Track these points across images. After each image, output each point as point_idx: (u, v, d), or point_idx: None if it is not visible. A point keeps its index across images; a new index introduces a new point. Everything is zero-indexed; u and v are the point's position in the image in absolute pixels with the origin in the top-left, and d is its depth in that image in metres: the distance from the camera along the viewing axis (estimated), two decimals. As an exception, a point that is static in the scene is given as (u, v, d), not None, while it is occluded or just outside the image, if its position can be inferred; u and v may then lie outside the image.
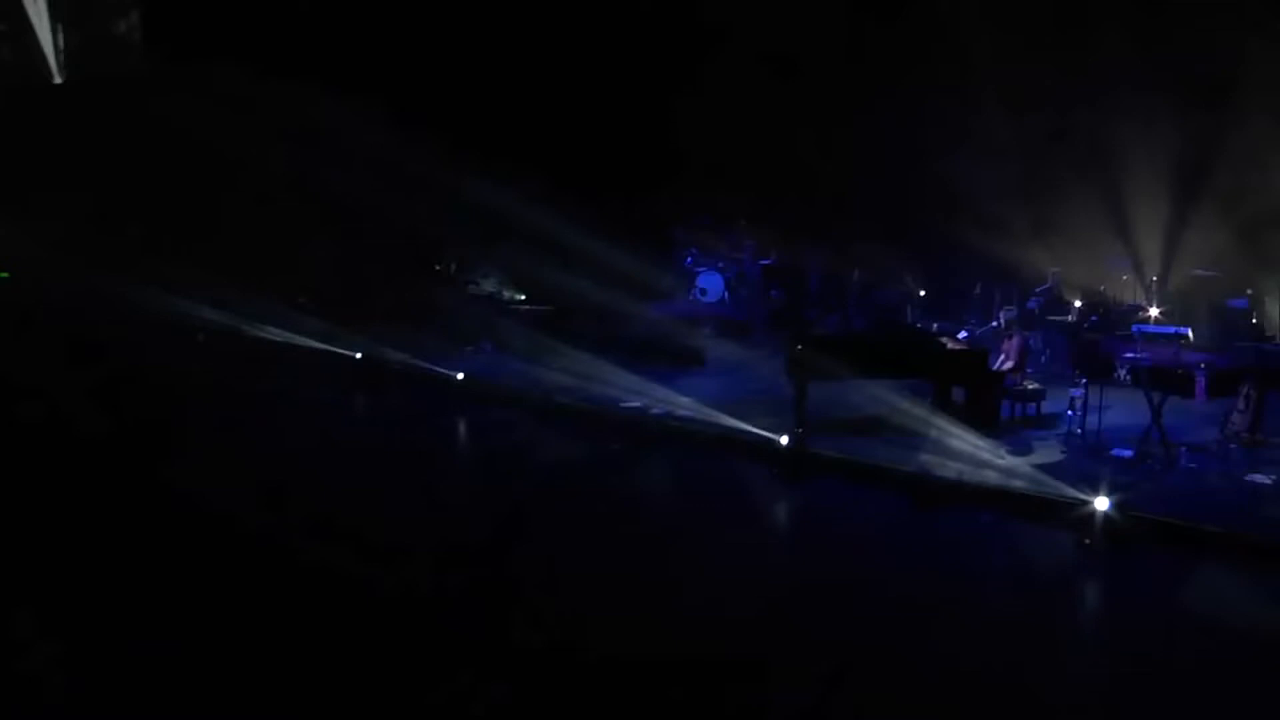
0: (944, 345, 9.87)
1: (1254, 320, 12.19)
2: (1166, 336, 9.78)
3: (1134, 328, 10.19)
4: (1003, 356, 9.98)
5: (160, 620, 5.77)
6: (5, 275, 20.30)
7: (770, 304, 16.22)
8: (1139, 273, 12.88)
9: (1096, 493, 7.36)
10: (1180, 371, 9.40)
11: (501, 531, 7.32)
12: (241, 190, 17.29)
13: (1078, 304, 12.44)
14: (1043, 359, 12.13)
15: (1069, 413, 9.41)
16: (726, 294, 16.51)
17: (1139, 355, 9.38)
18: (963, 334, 11.01)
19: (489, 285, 17.39)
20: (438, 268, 18.39)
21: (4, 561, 6.49)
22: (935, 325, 12.47)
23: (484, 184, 16.33)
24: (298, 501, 7.76)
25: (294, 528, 7.12)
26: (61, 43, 21.53)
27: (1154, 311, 12.14)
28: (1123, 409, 9.43)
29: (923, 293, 15.60)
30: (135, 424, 10.31)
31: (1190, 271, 12.48)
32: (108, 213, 19.67)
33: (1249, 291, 12.29)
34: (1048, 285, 13.01)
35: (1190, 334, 10.16)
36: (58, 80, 21.76)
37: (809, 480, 8.56)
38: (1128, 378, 10.60)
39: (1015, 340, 9.95)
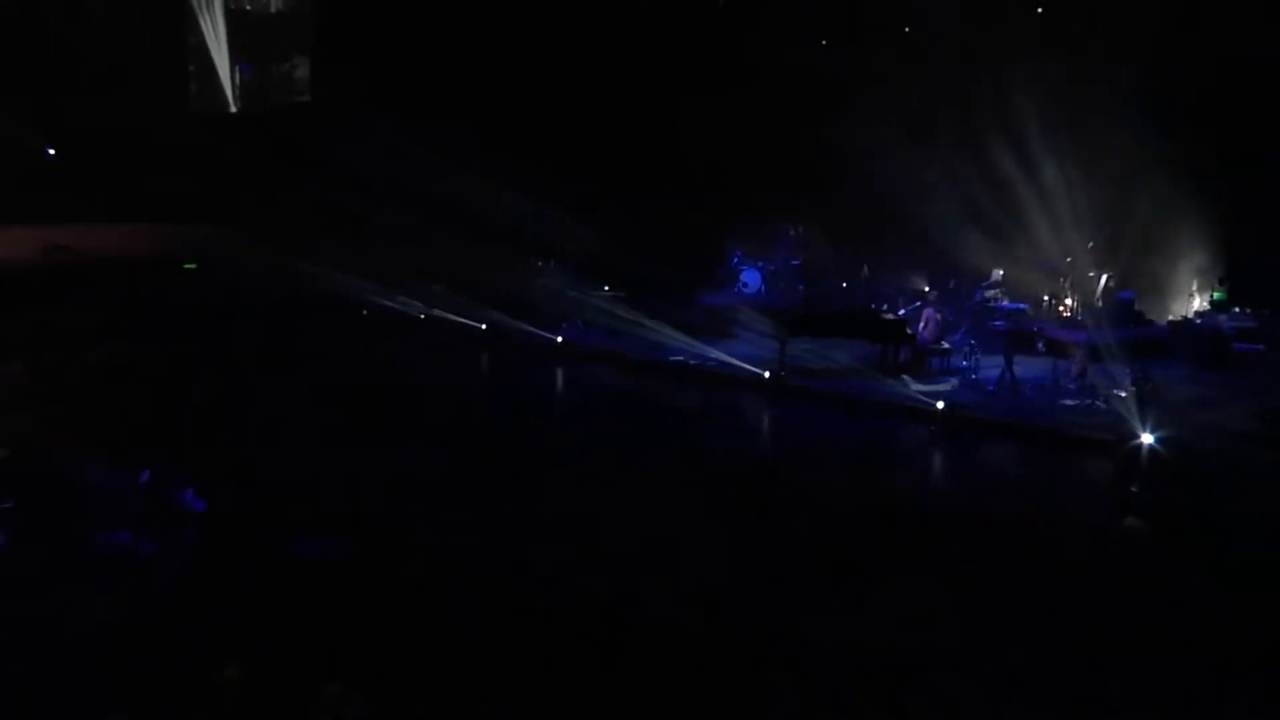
0: (879, 316, 15.18)
1: (1135, 308, 17.19)
2: (1014, 312, 14.90)
3: (995, 305, 15.30)
4: (922, 325, 15.18)
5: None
6: (192, 266, 25.83)
7: (798, 294, 21.34)
8: (1057, 273, 17.83)
9: (952, 408, 12.59)
10: (1024, 333, 14.57)
11: (589, 422, 12.83)
12: (390, 199, 22.52)
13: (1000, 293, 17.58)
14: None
15: (963, 363, 14.64)
16: (764, 287, 21.63)
17: (998, 324, 14.57)
18: (902, 311, 16.18)
19: (582, 276, 22.81)
20: (539, 263, 23.94)
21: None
22: (885, 305, 17.44)
23: (576, 198, 21.75)
24: (469, 401, 13.47)
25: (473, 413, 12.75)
26: (238, 79, 27.01)
27: (1069, 301, 17.26)
28: (1022, 366, 14.55)
29: (927, 288, 20.62)
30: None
31: (1090, 273, 17.44)
32: (278, 215, 25.19)
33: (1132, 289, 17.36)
34: (992, 281, 18.05)
35: (1028, 309, 15.24)
36: (233, 109, 27.31)
37: (782, 401, 13.92)
38: (1042, 347, 15.67)
39: (927, 313, 15.15)
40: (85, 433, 11.21)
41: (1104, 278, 17.11)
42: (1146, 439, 10.63)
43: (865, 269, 20.72)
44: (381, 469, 10.38)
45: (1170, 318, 17.54)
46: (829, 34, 21.59)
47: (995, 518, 9.27)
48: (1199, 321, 16.90)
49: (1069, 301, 17.37)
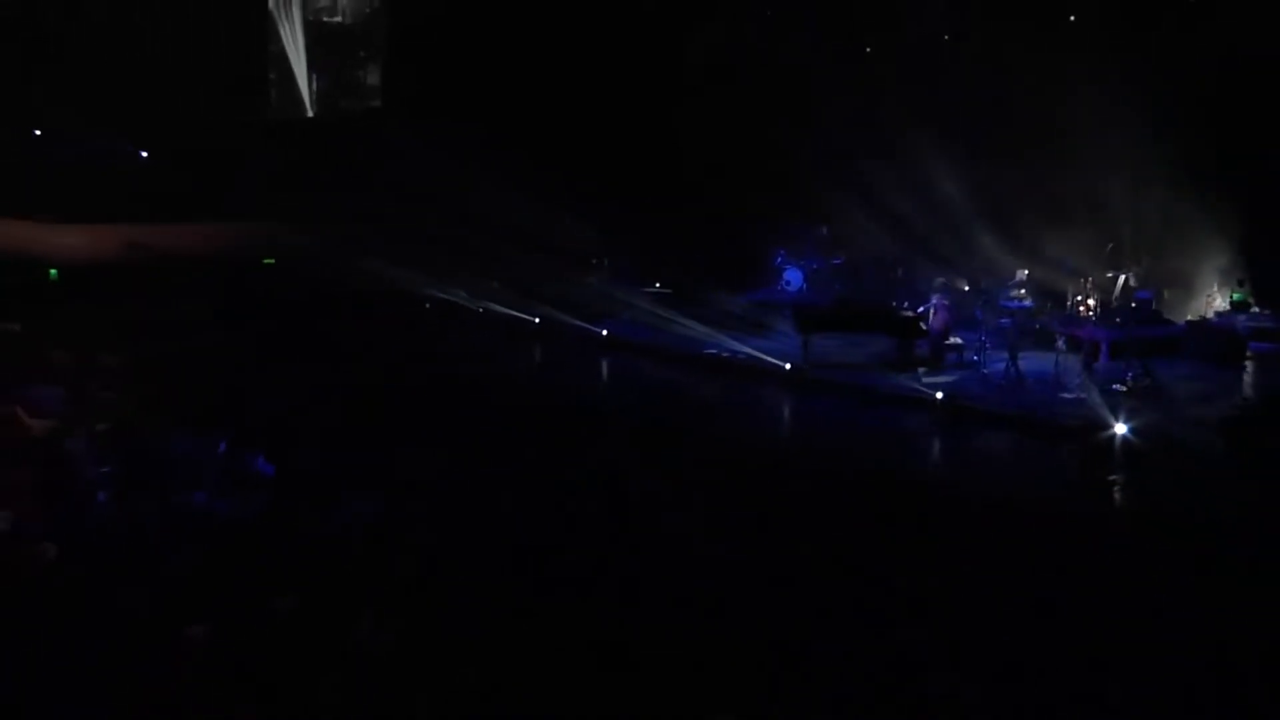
0: (894, 313, 16.37)
1: (1154, 307, 18.07)
2: (1019, 310, 15.99)
3: (1000, 303, 16.41)
4: (932, 315, 16.32)
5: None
6: (271, 260, 27.67)
7: (836, 292, 22.47)
8: (1078, 273, 18.75)
9: (949, 398, 13.77)
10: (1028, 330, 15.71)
11: (613, 407, 14.23)
12: (452, 201, 24.08)
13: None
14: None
15: (974, 357, 15.76)
16: (805, 285, 22.80)
17: (1004, 320, 15.68)
18: (920, 309, 17.26)
19: (633, 275, 24.19)
20: (594, 261, 25.38)
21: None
22: (906, 303, 18.46)
23: (629, 200, 23.12)
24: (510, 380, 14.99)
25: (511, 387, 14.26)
26: (315, 86, 28.83)
27: (1090, 301, 18.23)
28: (1032, 362, 15.67)
29: (966, 286, 21.64)
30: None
31: (1108, 274, 18.35)
32: (349, 213, 26.91)
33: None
34: (1017, 280, 19.02)
35: (1033, 307, 16.31)
36: (310, 114, 29.15)
37: (800, 390, 15.20)
38: (1063, 345, 16.70)
39: (939, 311, 16.28)
40: (172, 410, 12.84)
41: (1122, 278, 18.00)
42: (1119, 428, 11.71)
43: (899, 270, 21.77)
44: (417, 445, 11.85)
45: (1189, 317, 18.36)
46: (865, 38, 22.72)
47: (963, 495, 10.47)
48: (1215, 321, 17.73)
49: (1090, 301, 18.27)
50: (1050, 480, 11.23)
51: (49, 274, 23.34)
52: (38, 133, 27.67)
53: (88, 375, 14.40)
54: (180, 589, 8.08)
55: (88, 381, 14.04)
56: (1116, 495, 10.25)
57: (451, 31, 25.31)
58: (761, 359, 16.32)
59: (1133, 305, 17.77)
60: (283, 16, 27.06)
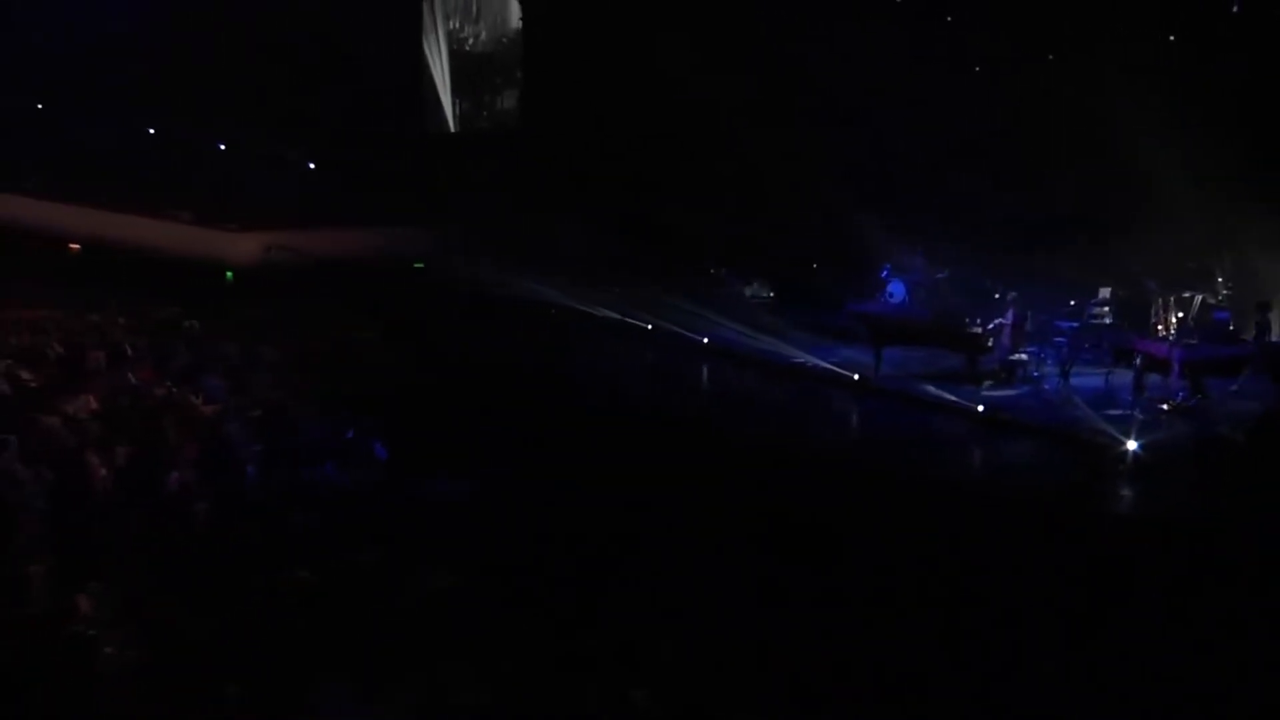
0: (964, 329, 17.78)
1: (1230, 328, 18.89)
2: (1071, 329, 17.25)
3: (1055, 323, 17.65)
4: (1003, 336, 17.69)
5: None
6: (420, 265, 30.26)
7: (936, 306, 23.69)
8: (1156, 292, 19.66)
9: (991, 409, 15.29)
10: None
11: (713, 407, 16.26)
12: (577, 211, 26.25)
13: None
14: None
15: (1034, 373, 17.11)
16: (908, 298, 24.16)
17: (1058, 339, 16.95)
18: (991, 325, 18.53)
19: (751, 286, 25.99)
20: (711, 271, 27.24)
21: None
22: (979, 319, 19.65)
23: (745, 215, 24.94)
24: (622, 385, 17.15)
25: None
26: (458, 108, 31.59)
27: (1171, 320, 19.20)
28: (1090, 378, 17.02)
29: (1072, 302, 22.68)
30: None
31: (1184, 293, 19.24)
32: (487, 224, 29.35)
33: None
34: (1100, 299, 20.06)
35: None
36: (452, 130, 31.88)
37: (867, 397, 16.87)
38: (1138, 362, 17.85)
39: (1006, 328, 17.62)
40: (316, 399, 15.42)
41: (1198, 298, 18.89)
42: (1130, 444, 13.07)
43: (999, 286, 22.89)
44: (517, 437, 13.99)
45: (1271, 338, 19.06)
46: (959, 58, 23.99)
47: (960, 495, 12.07)
48: (1291, 342, 18.48)
49: (1171, 320, 19.21)
50: (1043, 485, 12.64)
51: (226, 276, 26.52)
52: (221, 146, 31.11)
53: (249, 368, 17.18)
54: (297, 541, 10.49)
55: (248, 373, 16.80)
56: (1099, 500, 11.62)
57: (580, 57, 27.54)
58: (835, 370, 18.00)
59: (1210, 325, 18.64)
60: (431, 45, 30.03)
